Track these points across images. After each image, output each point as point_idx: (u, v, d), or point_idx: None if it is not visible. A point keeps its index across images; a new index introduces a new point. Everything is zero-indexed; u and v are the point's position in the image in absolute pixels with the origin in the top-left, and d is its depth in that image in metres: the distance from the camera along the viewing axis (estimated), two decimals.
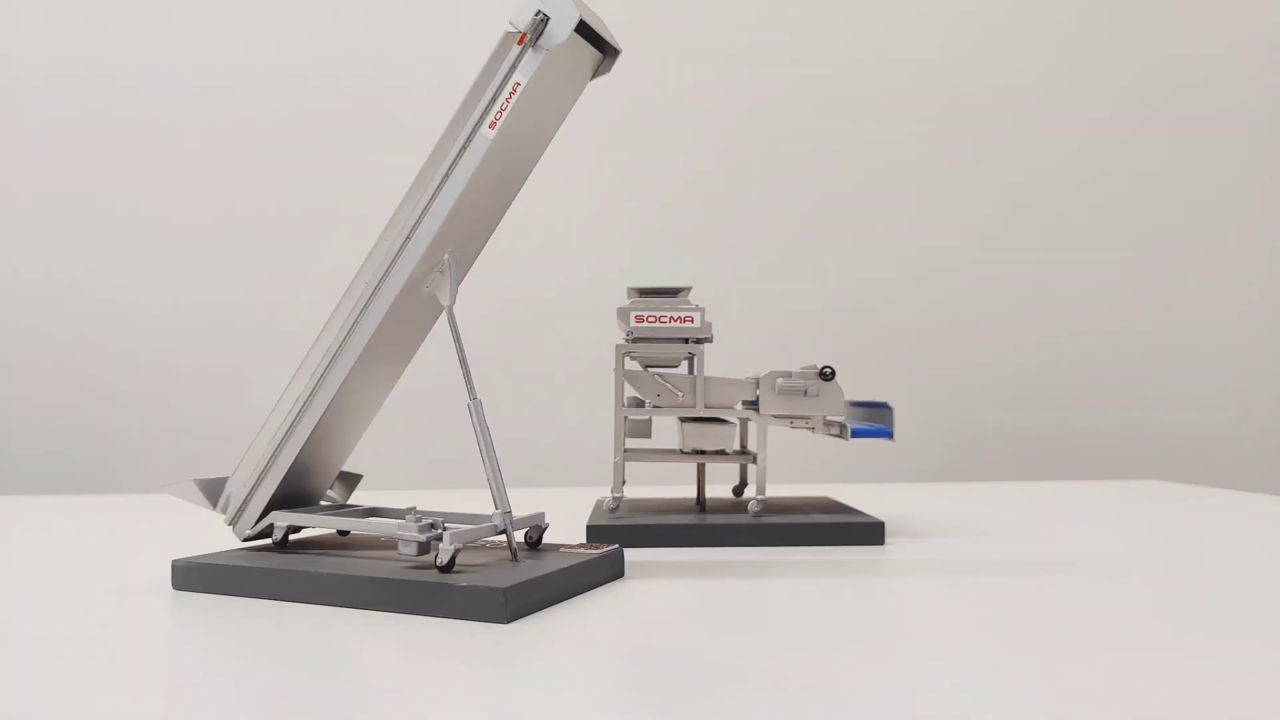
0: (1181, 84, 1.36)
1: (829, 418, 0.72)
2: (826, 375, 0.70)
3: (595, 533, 0.67)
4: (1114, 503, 0.97)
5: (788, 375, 0.70)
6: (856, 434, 0.70)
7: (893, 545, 0.70)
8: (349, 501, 0.65)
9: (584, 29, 0.52)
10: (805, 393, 0.70)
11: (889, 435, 0.70)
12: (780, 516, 0.71)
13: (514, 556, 0.53)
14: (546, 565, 0.51)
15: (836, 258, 1.33)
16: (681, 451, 0.74)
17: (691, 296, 0.74)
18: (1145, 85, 1.36)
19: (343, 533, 0.63)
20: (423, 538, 0.50)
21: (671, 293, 0.74)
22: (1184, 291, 1.35)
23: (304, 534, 0.61)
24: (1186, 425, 1.34)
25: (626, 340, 0.72)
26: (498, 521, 0.52)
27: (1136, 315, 1.34)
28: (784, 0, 1.34)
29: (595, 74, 0.56)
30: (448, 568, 0.48)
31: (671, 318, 0.71)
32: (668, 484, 0.90)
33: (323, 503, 0.63)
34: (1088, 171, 1.35)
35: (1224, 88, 1.37)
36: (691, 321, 0.71)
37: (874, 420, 0.74)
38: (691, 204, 1.33)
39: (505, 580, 0.47)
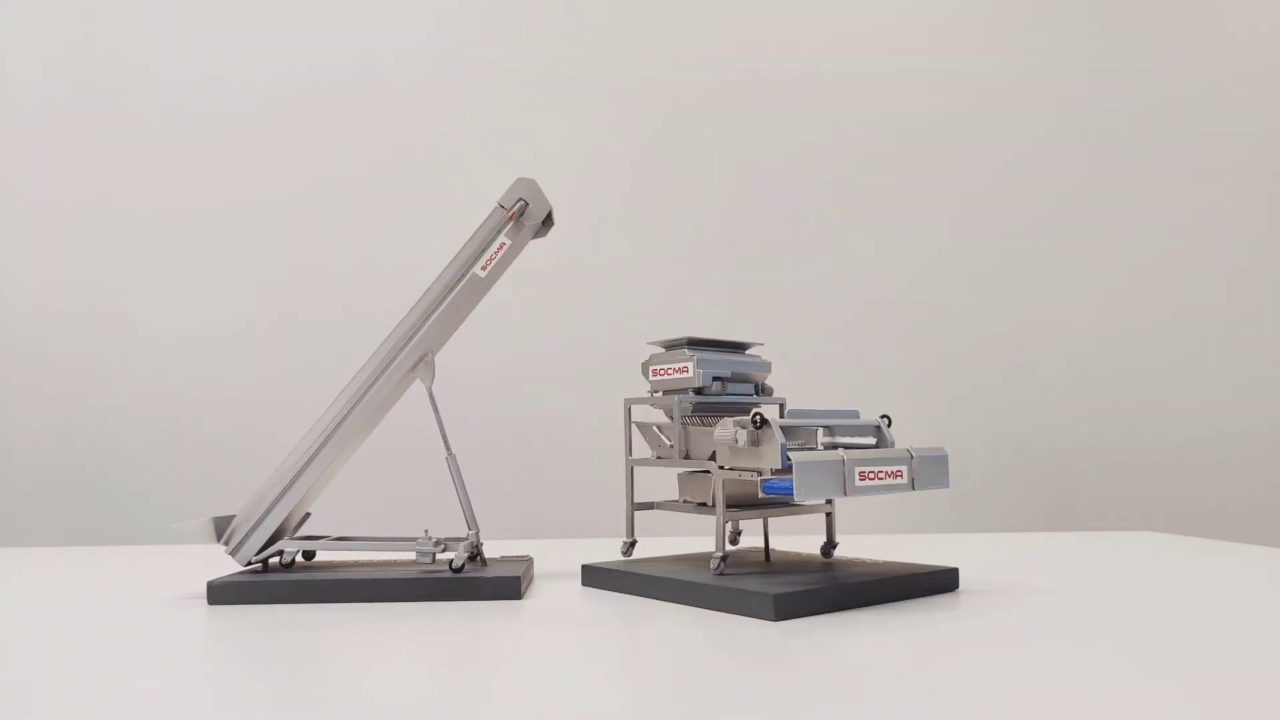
0: (1183, 100, 1.41)
1: (766, 469, 0.62)
2: (757, 423, 0.62)
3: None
4: (1119, 555, 0.94)
5: (727, 426, 0.64)
6: (768, 489, 0.63)
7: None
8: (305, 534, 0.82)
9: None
10: (737, 441, 0.63)
11: (790, 491, 0.59)
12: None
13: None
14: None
15: (837, 285, 1.40)
16: (685, 501, 0.74)
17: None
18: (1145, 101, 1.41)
19: (309, 555, 0.81)
20: (439, 550, 0.72)
21: (740, 347, 0.73)
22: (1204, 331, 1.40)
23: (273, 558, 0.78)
24: (1187, 476, 1.38)
25: (650, 394, 0.76)
26: (472, 538, 0.75)
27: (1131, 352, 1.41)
28: (778, 27, 1.41)
29: (535, 235, 0.82)
30: (460, 569, 0.71)
31: (672, 369, 0.73)
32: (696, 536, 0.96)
33: (300, 534, 0.80)
34: (1097, 198, 1.40)
35: (1225, 106, 1.41)
36: (686, 372, 0.72)
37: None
38: (689, 237, 1.38)
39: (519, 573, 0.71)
